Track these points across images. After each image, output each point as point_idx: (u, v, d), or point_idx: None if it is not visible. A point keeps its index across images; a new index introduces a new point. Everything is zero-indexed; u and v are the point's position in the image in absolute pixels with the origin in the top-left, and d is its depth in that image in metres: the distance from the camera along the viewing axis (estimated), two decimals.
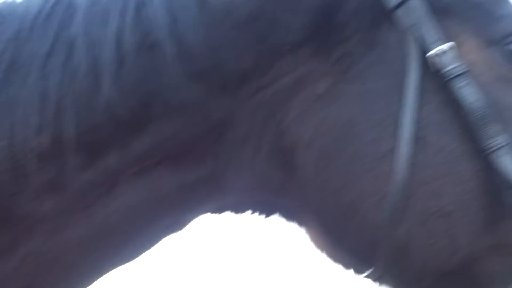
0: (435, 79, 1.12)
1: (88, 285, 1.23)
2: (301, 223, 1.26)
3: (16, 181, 1.11)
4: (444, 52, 1.12)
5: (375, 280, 1.18)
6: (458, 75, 1.11)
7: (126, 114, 1.13)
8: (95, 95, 1.13)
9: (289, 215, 1.27)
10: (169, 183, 1.18)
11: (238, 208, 1.27)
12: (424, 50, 1.13)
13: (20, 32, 1.16)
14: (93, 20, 1.15)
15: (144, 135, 1.15)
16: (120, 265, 1.24)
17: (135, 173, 1.16)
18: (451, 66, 1.11)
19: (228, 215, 1.29)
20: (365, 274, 1.18)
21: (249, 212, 1.28)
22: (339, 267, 1.26)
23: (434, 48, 1.12)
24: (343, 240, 1.19)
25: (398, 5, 1.14)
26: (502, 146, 1.10)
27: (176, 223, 1.25)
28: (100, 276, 1.24)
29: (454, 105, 1.11)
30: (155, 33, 1.14)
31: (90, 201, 1.15)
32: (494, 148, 1.09)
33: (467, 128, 1.11)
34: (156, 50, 1.14)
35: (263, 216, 1.28)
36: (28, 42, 1.15)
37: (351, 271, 1.23)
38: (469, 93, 1.11)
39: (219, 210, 1.27)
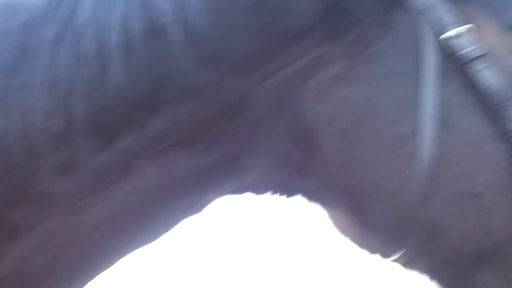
0: (453, 62, 1.13)
1: (108, 267, 1.25)
2: (323, 204, 1.26)
3: (31, 162, 1.13)
4: (460, 35, 1.13)
5: (403, 263, 1.19)
6: (476, 58, 1.12)
7: (137, 98, 1.14)
8: (104, 79, 1.14)
9: (311, 196, 1.26)
10: (185, 165, 1.19)
11: (258, 189, 1.27)
12: (439, 33, 1.13)
13: (30, 20, 1.17)
14: (101, 7, 1.16)
15: (157, 118, 1.15)
16: (137, 248, 1.25)
17: (150, 156, 1.17)
18: (469, 48, 1.12)
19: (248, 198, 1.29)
20: (393, 258, 1.18)
21: (269, 193, 1.27)
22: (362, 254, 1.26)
23: (450, 30, 1.13)
24: (370, 221, 1.18)
25: None
26: None
27: (193, 205, 1.25)
28: (119, 259, 1.25)
29: (475, 87, 1.12)
30: (161, 19, 1.14)
31: (106, 183, 1.16)
32: None
33: (490, 110, 1.11)
34: (164, 36, 1.14)
35: (284, 197, 1.28)
36: (38, 29, 1.16)
37: (377, 256, 1.22)
38: (489, 75, 1.11)
39: (239, 191, 1.27)
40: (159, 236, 1.26)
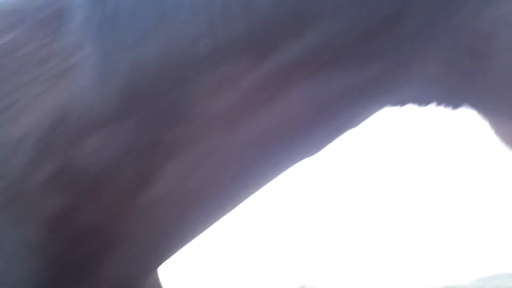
0: None
1: (270, 180, 1.26)
2: (491, 114, 1.21)
3: (185, 83, 1.15)
4: None
5: None
6: None
7: (289, 15, 1.13)
8: None
9: (478, 106, 1.22)
10: (342, 82, 1.17)
11: (421, 100, 1.24)
12: None
13: None
14: None
15: (308, 35, 1.14)
16: (300, 161, 1.26)
17: (306, 73, 1.16)
18: None
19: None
20: None
21: (433, 104, 1.24)
22: None
23: None
24: None
25: None
26: None
27: (351, 120, 1.25)
28: (282, 171, 1.26)
29: None
30: None
31: (259, 102, 1.17)
32: None
33: None
34: None
35: (449, 108, 1.24)
36: None
37: None
38: None
39: (400, 103, 1.25)
40: (321, 148, 1.26)
